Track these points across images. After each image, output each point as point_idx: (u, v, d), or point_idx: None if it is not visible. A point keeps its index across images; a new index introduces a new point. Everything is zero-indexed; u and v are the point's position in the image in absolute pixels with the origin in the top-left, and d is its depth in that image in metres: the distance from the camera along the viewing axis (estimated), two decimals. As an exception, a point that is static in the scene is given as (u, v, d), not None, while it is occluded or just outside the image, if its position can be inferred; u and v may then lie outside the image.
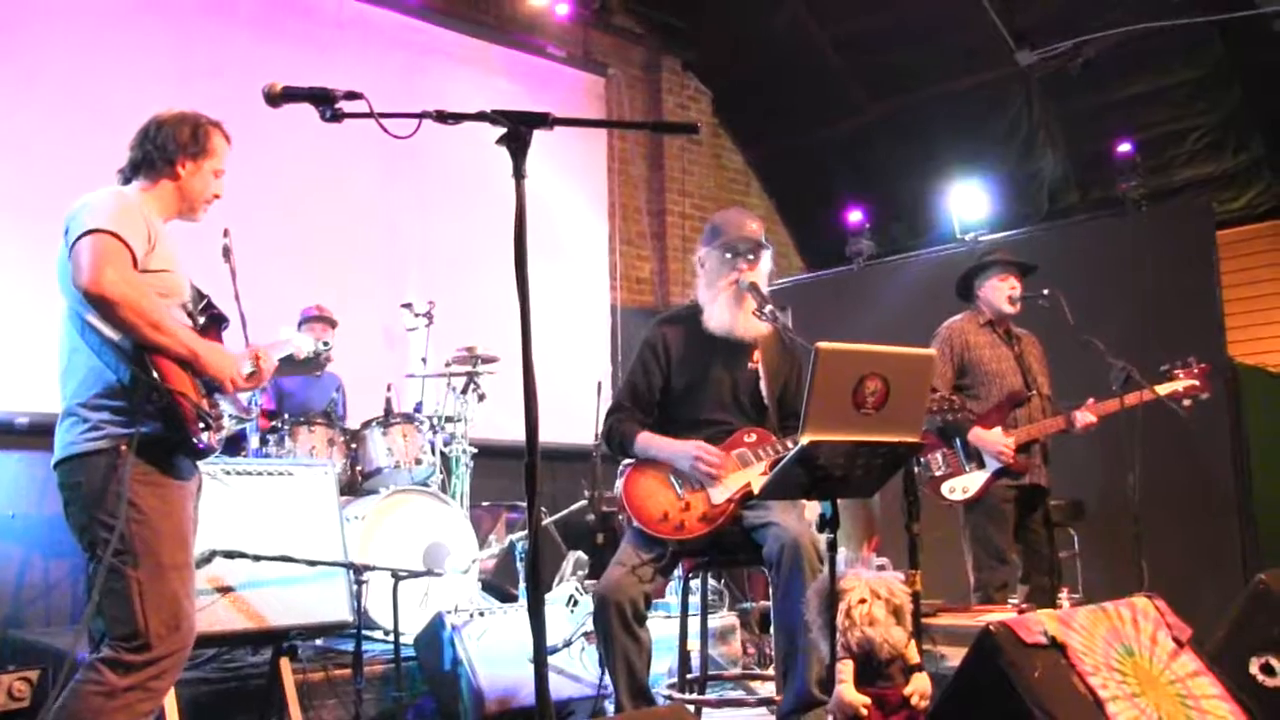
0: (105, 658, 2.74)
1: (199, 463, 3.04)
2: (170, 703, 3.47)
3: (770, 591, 3.52)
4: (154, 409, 2.80)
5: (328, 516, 4.14)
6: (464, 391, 5.85)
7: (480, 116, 2.22)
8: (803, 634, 3.28)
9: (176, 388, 2.82)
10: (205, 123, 3.12)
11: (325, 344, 3.86)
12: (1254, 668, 3.44)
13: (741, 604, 5.66)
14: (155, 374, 2.80)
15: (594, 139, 9.05)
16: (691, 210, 9.59)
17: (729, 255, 3.70)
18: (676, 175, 9.56)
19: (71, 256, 2.77)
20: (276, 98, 2.24)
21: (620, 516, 5.68)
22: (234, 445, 5.20)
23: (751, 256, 3.69)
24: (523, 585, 5.39)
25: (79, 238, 2.76)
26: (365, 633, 4.15)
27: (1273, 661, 3.39)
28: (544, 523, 6.00)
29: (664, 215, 9.48)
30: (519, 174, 2.22)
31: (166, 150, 3.04)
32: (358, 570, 3.99)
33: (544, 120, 2.24)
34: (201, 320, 3.10)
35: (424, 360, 6.13)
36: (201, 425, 2.87)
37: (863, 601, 3.01)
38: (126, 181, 3.09)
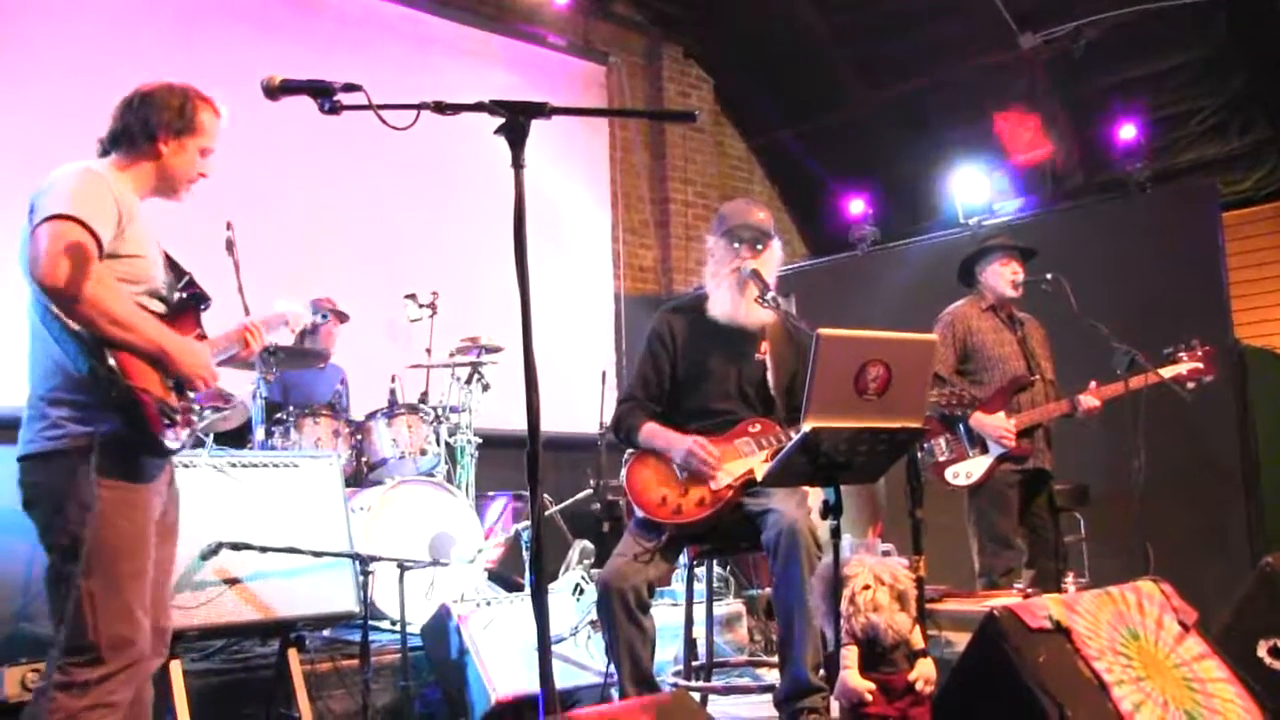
0: (57, 682, 2.57)
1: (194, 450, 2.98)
2: (179, 694, 3.48)
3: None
4: (114, 405, 2.62)
5: (333, 507, 4.15)
6: (468, 381, 5.85)
7: (478, 107, 2.23)
8: (800, 620, 3.30)
9: (138, 383, 2.64)
10: (194, 96, 2.90)
11: (323, 316, 3.79)
12: (1262, 650, 3.44)
13: (748, 590, 5.66)
14: (115, 368, 2.62)
15: (596, 128, 9.03)
16: (694, 198, 9.57)
17: (734, 243, 3.70)
18: (679, 163, 9.54)
19: (31, 243, 2.59)
20: (275, 90, 2.24)
21: (623, 504, 5.70)
22: (239, 438, 5.21)
23: (760, 245, 3.70)
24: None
25: (40, 223, 2.57)
26: (372, 623, 4.15)
27: (1280, 644, 3.39)
28: (549, 512, 6.01)
29: (667, 203, 9.47)
30: (517, 164, 2.22)
31: (148, 125, 2.83)
32: (364, 561, 3.99)
33: (542, 110, 2.24)
34: (178, 298, 2.92)
35: (428, 351, 6.13)
36: (166, 422, 2.68)
37: (867, 588, 3.02)
38: (105, 154, 2.88)
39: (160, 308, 2.84)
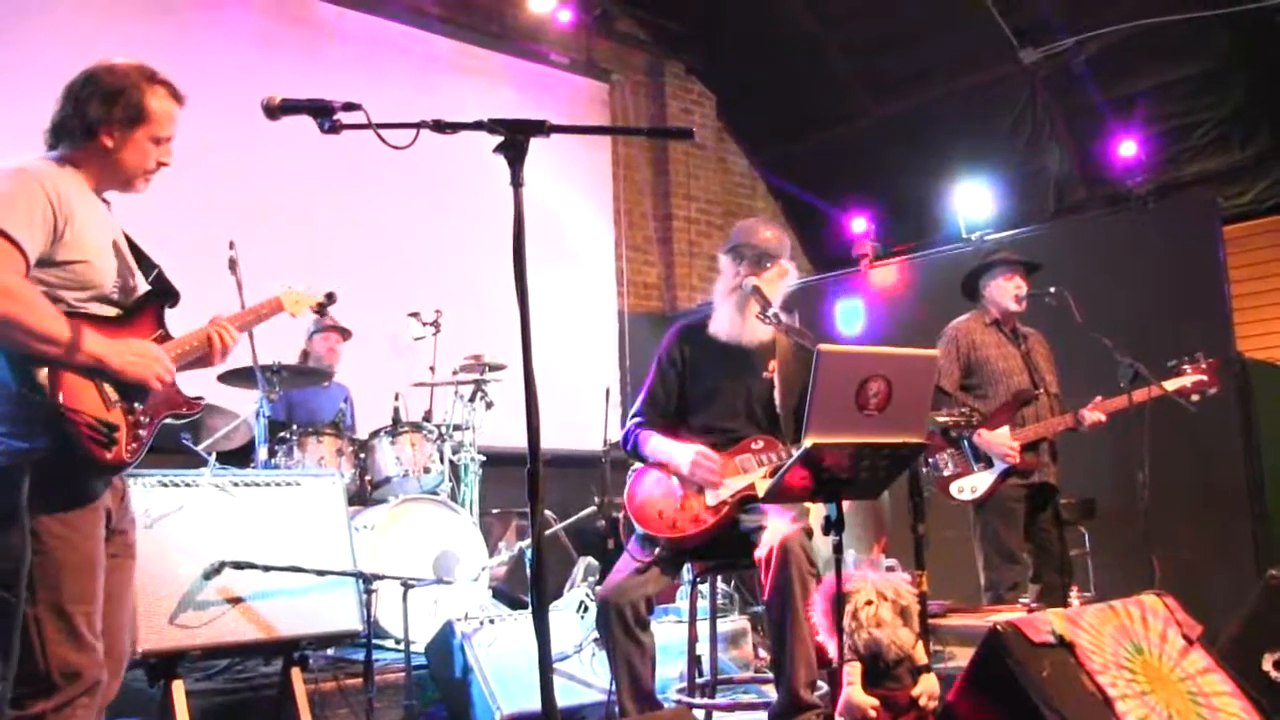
0: (13, 719, 2.46)
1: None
2: (182, 714, 3.48)
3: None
4: (43, 424, 2.47)
5: (336, 526, 4.15)
6: (472, 399, 5.85)
7: (477, 126, 2.23)
8: (791, 637, 3.28)
9: (69, 403, 2.49)
10: (140, 81, 2.65)
11: (330, 294, 3.63)
12: (1267, 664, 3.44)
13: (753, 607, 5.64)
14: (43, 385, 2.47)
15: (598, 145, 9.07)
16: (697, 214, 9.60)
17: (737, 262, 3.73)
18: (682, 180, 9.58)
19: None
20: (275, 110, 2.23)
21: (622, 519, 5.69)
22: (242, 456, 5.21)
23: (765, 264, 3.69)
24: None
25: None
26: (376, 642, 4.16)
27: (1287, 657, 3.38)
28: (554, 529, 6.00)
29: (670, 220, 9.50)
30: (516, 182, 2.22)
31: (86, 118, 2.61)
32: (367, 579, 3.99)
33: (540, 128, 2.24)
34: (139, 295, 2.75)
35: (432, 369, 6.14)
36: (100, 441, 2.52)
37: (869, 603, 3.02)
38: (52, 147, 2.68)
39: (112, 311, 2.68)
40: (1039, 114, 8.45)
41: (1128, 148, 7.08)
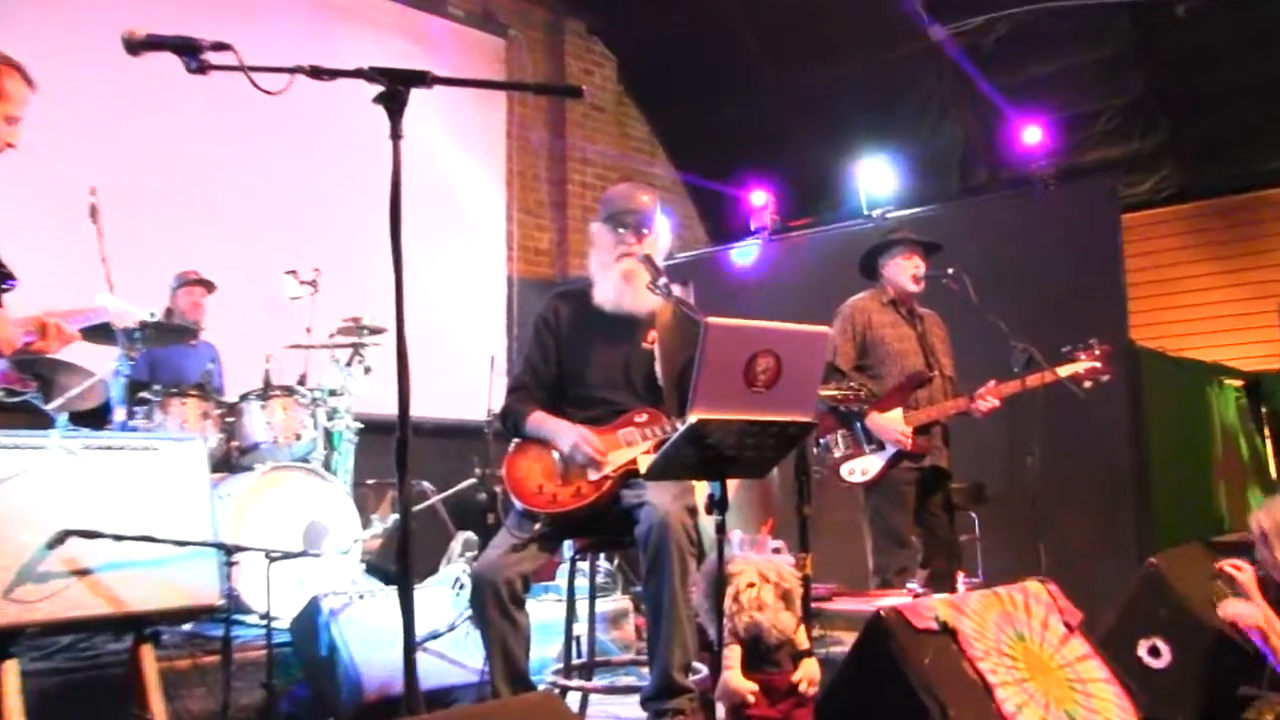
0: None
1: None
2: (12, 696, 3.22)
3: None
4: None
5: (197, 493, 3.89)
6: (349, 363, 5.59)
7: (355, 74, 2.17)
8: (667, 619, 3.20)
9: None
10: None
11: (152, 313, 3.61)
12: (1142, 649, 3.51)
13: (635, 586, 5.54)
14: None
15: (493, 104, 8.84)
16: (594, 180, 9.40)
17: (617, 229, 3.60)
18: (579, 143, 9.36)
19: None
20: (136, 45, 2.12)
21: (501, 494, 5.53)
22: (98, 417, 4.90)
23: (645, 230, 3.60)
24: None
25: None
26: (236, 617, 3.95)
27: (1159, 643, 3.43)
28: (431, 501, 5.81)
29: (564, 184, 9.28)
30: (395, 134, 2.16)
31: None
32: (228, 550, 3.77)
33: (422, 79, 2.17)
34: None
35: (308, 330, 5.86)
36: None
37: (751, 585, 2.98)
38: None
39: None
40: (945, 93, 8.46)
41: (1032, 133, 7.10)
